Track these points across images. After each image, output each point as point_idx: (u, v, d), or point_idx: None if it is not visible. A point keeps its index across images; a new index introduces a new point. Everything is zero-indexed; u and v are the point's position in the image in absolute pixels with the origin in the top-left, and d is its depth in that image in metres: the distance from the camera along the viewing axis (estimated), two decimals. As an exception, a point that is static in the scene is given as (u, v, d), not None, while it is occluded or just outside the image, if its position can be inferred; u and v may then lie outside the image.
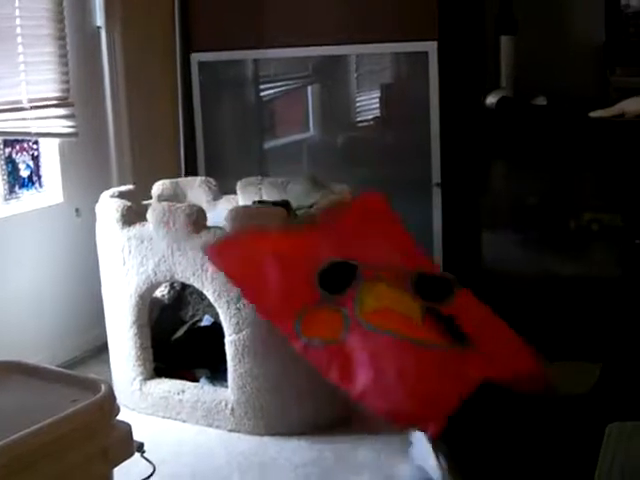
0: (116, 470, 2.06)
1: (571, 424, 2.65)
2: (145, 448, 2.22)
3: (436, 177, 3.65)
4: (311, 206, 2.94)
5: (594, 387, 2.79)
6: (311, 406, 2.92)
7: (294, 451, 2.78)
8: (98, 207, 3.11)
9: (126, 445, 2.04)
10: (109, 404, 2.00)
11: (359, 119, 3.98)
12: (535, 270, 3.63)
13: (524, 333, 3.53)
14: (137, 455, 2.16)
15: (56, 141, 3.47)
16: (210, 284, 2.84)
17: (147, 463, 2.34)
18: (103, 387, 2.01)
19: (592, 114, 3.30)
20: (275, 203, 2.81)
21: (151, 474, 2.33)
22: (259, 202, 2.99)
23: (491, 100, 3.47)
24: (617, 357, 3.21)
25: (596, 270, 3.52)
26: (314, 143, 4.04)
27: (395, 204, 3.77)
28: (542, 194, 3.68)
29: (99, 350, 3.48)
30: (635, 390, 2.81)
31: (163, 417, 3.03)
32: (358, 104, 3.96)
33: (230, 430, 2.92)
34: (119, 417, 2.05)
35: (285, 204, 2.79)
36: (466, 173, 3.57)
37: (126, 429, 2.04)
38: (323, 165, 3.92)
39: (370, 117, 3.97)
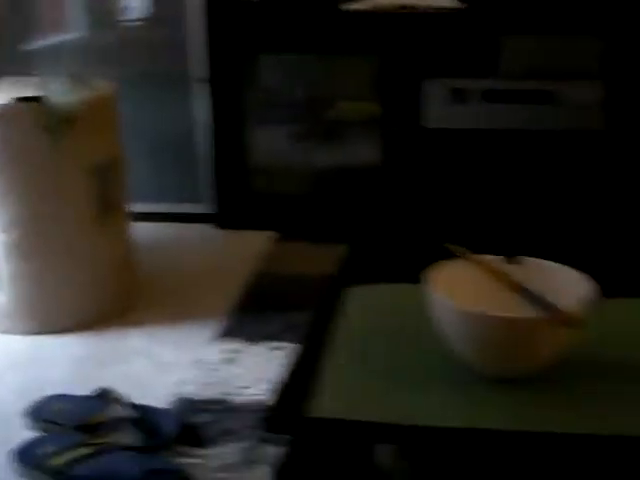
0: None
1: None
2: None
3: (197, 72, 3.70)
4: (71, 103, 2.89)
5: (340, 267, 2.94)
6: (83, 301, 2.95)
7: (69, 346, 2.81)
8: None
9: None
10: None
11: (121, 17, 3.92)
12: (300, 163, 3.79)
13: (290, 223, 3.72)
14: None
15: None
16: (-30, 186, 2.76)
17: None
18: None
19: (343, 7, 3.41)
20: (30, 99, 2.74)
21: None
22: (16, 99, 2.90)
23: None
24: (363, 239, 3.43)
25: (357, 159, 3.72)
26: (76, 42, 3.95)
27: (154, 101, 3.81)
28: (305, 86, 3.80)
29: None
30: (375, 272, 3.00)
31: None
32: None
33: (2, 332, 2.90)
34: None
35: (42, 100, 2.73)
36: (232, 68, 3.62)
37: None
38: (85, 64, 3.84)
39: (132, 15, 3.92)
